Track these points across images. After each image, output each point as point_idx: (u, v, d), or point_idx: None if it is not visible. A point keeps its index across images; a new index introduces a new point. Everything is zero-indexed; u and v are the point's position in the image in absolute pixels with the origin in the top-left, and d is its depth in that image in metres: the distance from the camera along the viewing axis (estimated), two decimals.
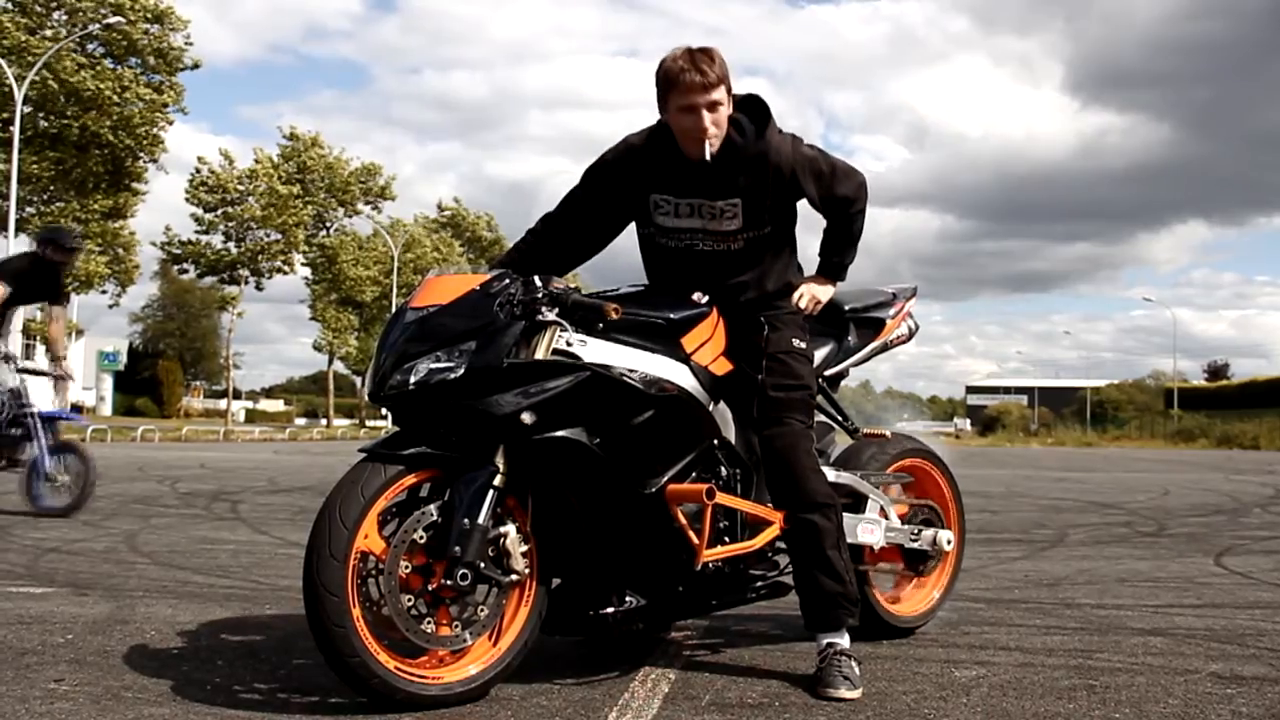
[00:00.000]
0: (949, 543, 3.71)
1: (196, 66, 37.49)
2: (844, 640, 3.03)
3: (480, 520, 2.67)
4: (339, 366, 58.89)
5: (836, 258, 3.34)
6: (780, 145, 3.05)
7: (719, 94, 2.94)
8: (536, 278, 2.82)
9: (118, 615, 3.85)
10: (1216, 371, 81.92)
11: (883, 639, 3.53)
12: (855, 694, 2.84)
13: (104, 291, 37.71)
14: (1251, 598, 4.64)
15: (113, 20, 33.87)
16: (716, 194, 3.06)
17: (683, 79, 2.92)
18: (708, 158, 2.97)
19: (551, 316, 2.76)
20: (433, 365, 2.68)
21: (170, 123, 37.27)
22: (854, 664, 2.94)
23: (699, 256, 3.13)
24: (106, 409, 63.75)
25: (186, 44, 37.10)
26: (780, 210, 3.14)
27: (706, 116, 2.94)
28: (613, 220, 3.23)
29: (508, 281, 2.81)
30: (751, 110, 3.07)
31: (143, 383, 67.85)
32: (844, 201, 3.21)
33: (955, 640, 3.58)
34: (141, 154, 37.01)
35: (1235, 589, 4.89)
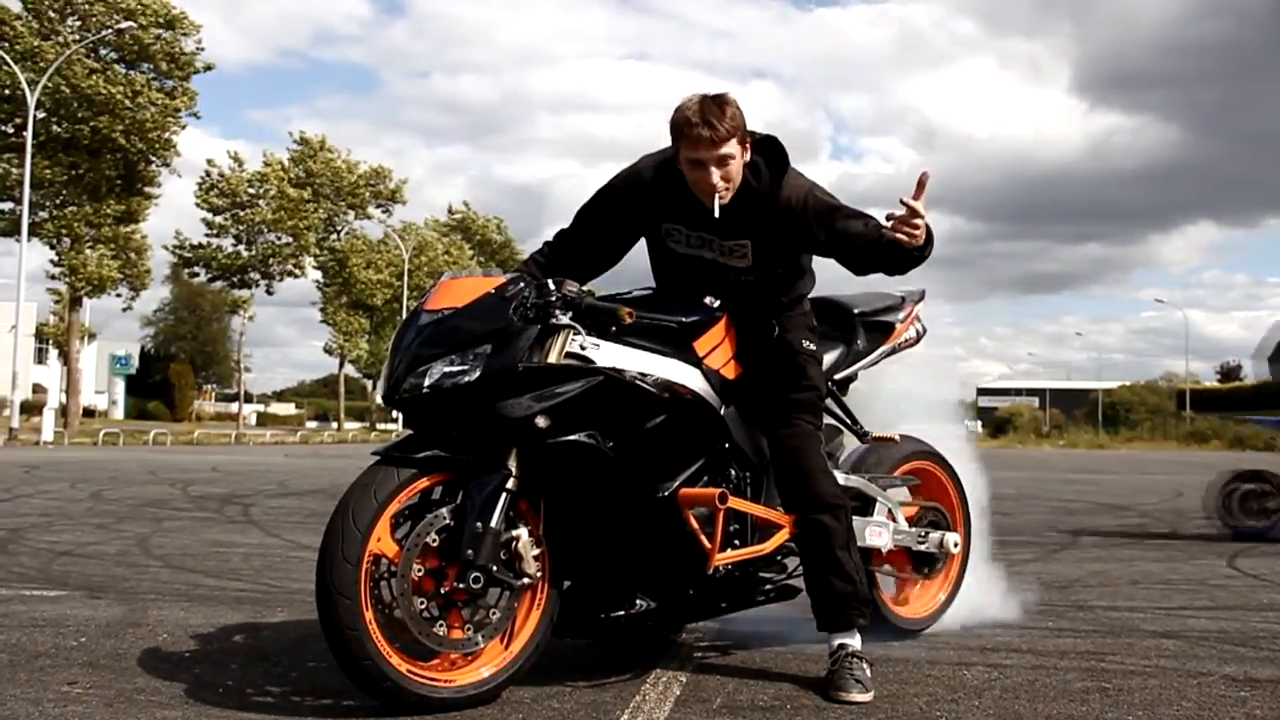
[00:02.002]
0: (956, 545, 3.71)
1: (209, 69, 37.68)
2: (855, 641, 3.03)
3: (493, 523, 2.68)
4: (350, 370, 59.07)
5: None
6: (795, 193, 3.01)
7: (729, 148, 2.91)
8: (550, 281, 2.82)
9: (130, 618, 3.86)
10: (1229, 373, 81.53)
11: (890, 641, 3.53)
12: (867, 697, 2.84)
13: (118, 295, 37.89)
14: (1265, 600, 4.63)
15: (125, 25, 34.07)
16: (727, 234, 3.06)
17: (691, 133, 2.89)
18: (715, 213, 2.95)
19: (565, 320, 2.76)
20: (447, 368, 2.68)
21: (182, 127, 37.50)
22: (865, 666, 2.94)
23: (711, 278, 3.13)
24: (118, 412, 64.00)
25: (198, 48, 37.29)
26: (792, 254, 3.14)
27: (715, 172, 2.91)
28: (623, 241, 3.22)
29: (522, 285, 2.81)
30: (769, 154, 3.03)
31: (155, 386, 68.04)
32: (854, 236, 3.00)
33: (967, 642, 3.57)
34: (154, 158, 37.21)
35: (1248, 591, 4.88)
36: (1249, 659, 3.40)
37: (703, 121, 2.87)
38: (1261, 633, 3.85)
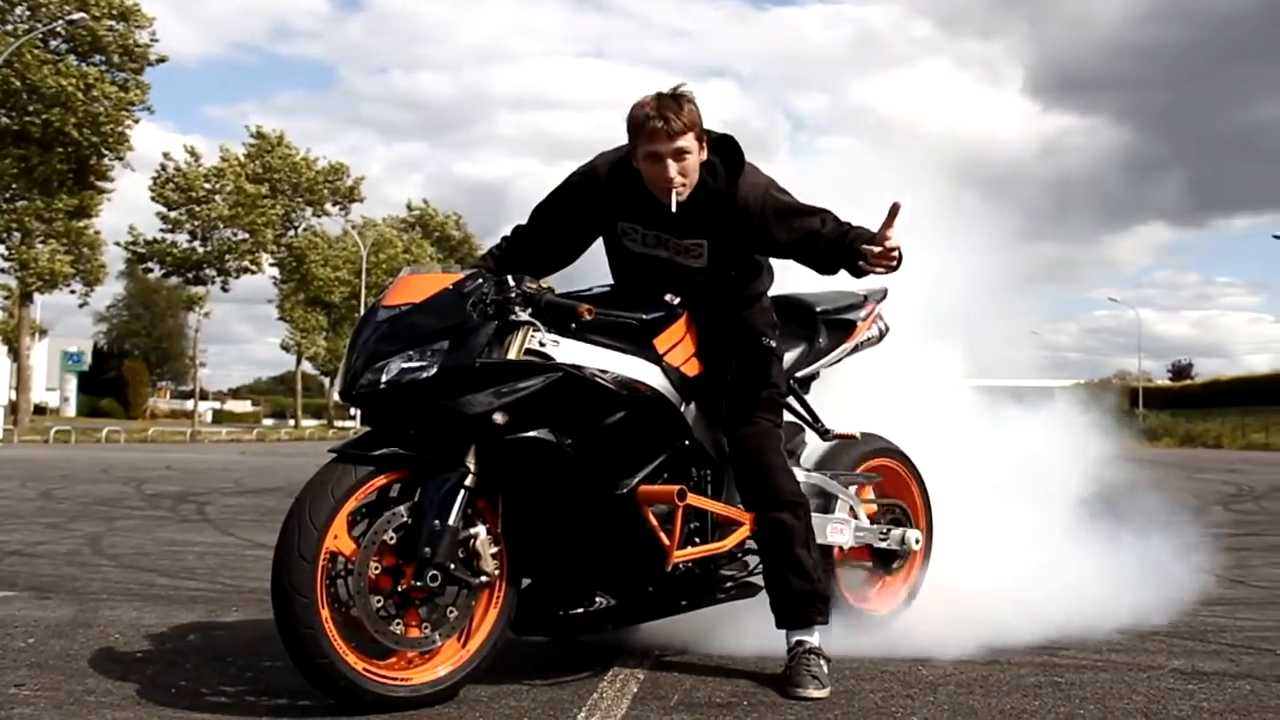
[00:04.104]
0: (917, 542, 3.74)
1: (163, 61, 37.18)
2: (813, 638, 3.04)
3: (450, 521, 2.67)
4: (307, 367, 58.50)
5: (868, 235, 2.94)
6: (751, 192, 3.00)
7: (686, 141, 2.90)
8: (510, 277, 2.81)
9: (81, 619, 3.80)
10: (1180, 371, 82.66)
11: (851, 637, 3.54)
12: (823, 693, 2.86)
13: (71, 291, 37.33)
14: (1213, 595, 4.70)
15: (76, 16, 33.49)
16: (683, 233, 3.05)
17: (648, 126, 2.88)
18: (673, 208, 2.94)
19: (524, 316, 2.76)
20: (404, 364, 2.67)
21: (136, 121, 36.95)
22: (823, 663, 2.96)
23: (667, 277, 3.13)
24: (71, 410, 63.00)
25: (152, 40, 36.79)
26: (751, 252, 3.14)
27: (672, 166, 2.90)
28: (580, 238, 3.21)
29: (480, 281, 2.80)
30: (725, 153, 3.02)
31: (108, 383, 67.08)
32: (816, 235, 3.00)
33: (922, 639, 3.58)
34: (107, 152, 36.64)
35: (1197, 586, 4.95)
36: (1197, 653, 3.46)
37: (659, 115, 2.87)
38: (1209, 627, 3.92)
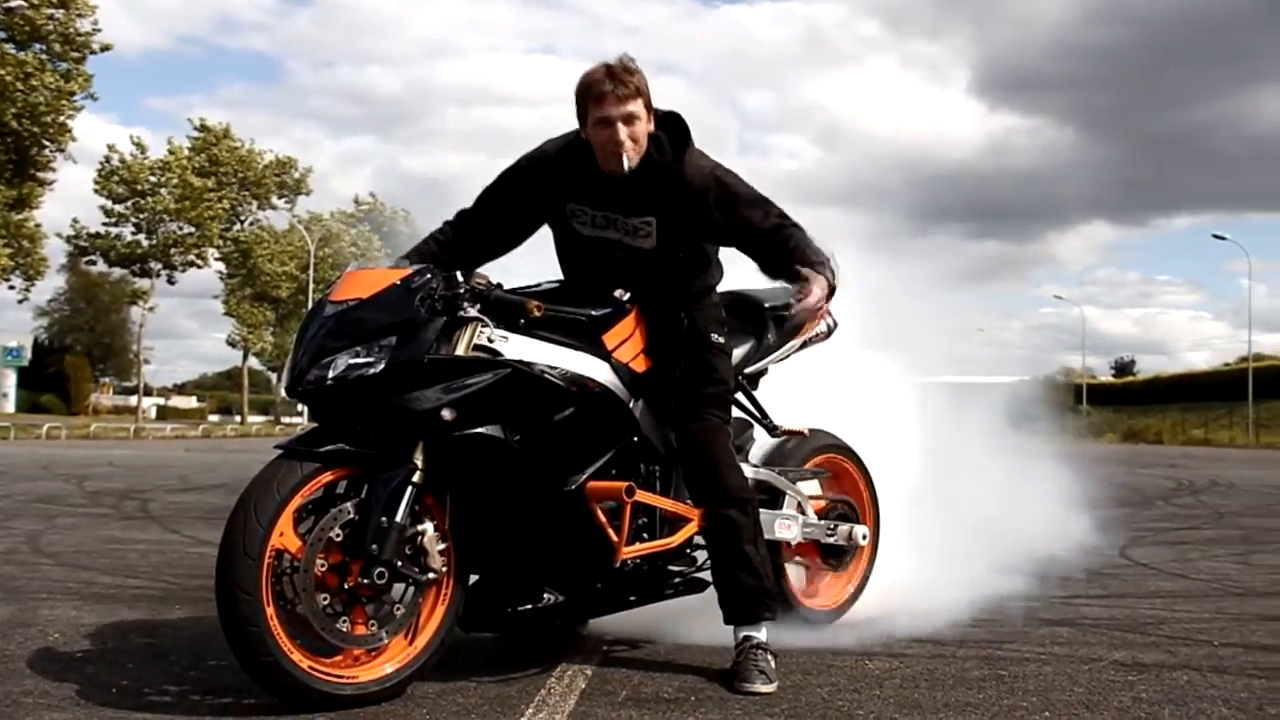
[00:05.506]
0: (864, 538, 3.77)
1: (107, 49, 36.48)
2: (761, 634, 3.06)
3: (398, 518, 2.65)
4: (254, 362, 57.86)
5: (803, 264, 3.10)
6: (698, 173, 3.03)
7: (635, 107, 2.93)
8: (459, 273, 2.80)
9: (19, 618, 3.73)
10: (1123, 368, 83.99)
11: (798, 633, 3.57)
12: (770, 688, 2.87)
13: (11, 286, 36.58)
14: (1153, 587, 4.80)
15: (14, 5, 32.78)
16: (631, 210, 3.06)
17: (598, 91, 2.91)
18: (625, 170, 2.96)
19: (473, 312, 2.75)
20: (352, 360, 2.65)
21: (78, 110, 36.23)
22: (770, 658, 2.98)
23: (616, 263, 3.13)
24: (10, 406, 61.66)
25: (94, 29, 36.07)
26: (695, 234, 3.16)
27: (622, 129, 2.93)
28: (527, 222, 3.22)
29: (429, 276, 2.78)
30: (672, 129, 3.05)
31: (49, 379, 65.67)
32: (752, 227, 3.09)
33: (869, 633, 3.63)
34: (48, 143, 35.89)
35: (1138, 579, 5.05)
36: (1137, 644, 3.53)
37: (609, 79, 2.91)
38: (1149, 619, 4.00)
